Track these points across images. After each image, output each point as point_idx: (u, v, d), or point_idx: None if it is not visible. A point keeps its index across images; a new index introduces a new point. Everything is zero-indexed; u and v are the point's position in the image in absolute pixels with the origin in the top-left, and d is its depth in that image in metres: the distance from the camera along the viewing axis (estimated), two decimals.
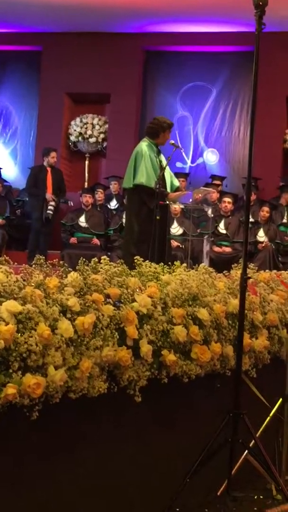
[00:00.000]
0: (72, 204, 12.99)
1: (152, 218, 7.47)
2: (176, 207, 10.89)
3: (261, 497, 4.29)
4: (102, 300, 3.45)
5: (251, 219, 10.91)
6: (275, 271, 5.80)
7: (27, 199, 12.81)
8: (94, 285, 3.49)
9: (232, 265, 5.08)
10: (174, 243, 10.83)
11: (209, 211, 10.97)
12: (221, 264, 8.96)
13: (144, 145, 7.80)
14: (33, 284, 3.24)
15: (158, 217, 7.39)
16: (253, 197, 11.96)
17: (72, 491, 3.35)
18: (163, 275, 4.13)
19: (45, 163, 12.35)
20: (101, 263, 3.78)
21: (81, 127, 14.08)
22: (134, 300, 3.68)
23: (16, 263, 3.38)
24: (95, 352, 3.28)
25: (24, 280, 3.22)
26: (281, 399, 4.72)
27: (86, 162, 14.25)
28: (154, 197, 7.49)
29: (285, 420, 4.72)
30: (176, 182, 8.13)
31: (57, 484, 3.26)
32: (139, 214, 7.74)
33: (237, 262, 5.15)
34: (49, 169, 12.25)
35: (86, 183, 14.02)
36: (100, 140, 14.07)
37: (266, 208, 11.74)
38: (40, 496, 3.16)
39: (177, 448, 4.07)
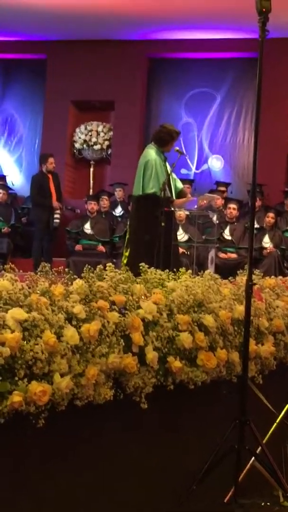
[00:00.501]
0: (79, 211, 12.99)
1: (157, 224, 7.46)
2: (181, 213, 10.88)
3: (268, 504, 4.26)
4: (107, 307, 3.45)
5: (256, 225, 10.90)
6: (280, 277, 5.79)
7: (31, 207, 12.72)
8: (100, 292, 3.49)
9: (238, 271, 5.07)
10: (180, 250, 10.83)
11: (214, 218, 10.96)
12: (226, 270, 8.95)
13: (153, 153, 7.75)
14: (38, 291, 3.25)
15: (163, 224, 7.39)
16: (258, 203, 11.96)
17: (77, 498, 3.35)
18: (169, 281, 4.12)
19: (44, 170, 12.20)
20: (106, 270, 3.78)
21: (86, 134, 14.11)
22: (139, 307, 3.68)
23: (21, 271, 3.38)
24: (101, 359, 3.28)
25: (29, 288, 3.22)
26: (287, 405, 4.70)
27: (91, 169, 14.28)
28: (160, 204, 7.49)
29: None
30: (180, 185, 8.12)
31: (61, 491, 3.26)
32: (145, 221, 7.73)
33: (242, 268, 5.13)
34: (50, 176, 12.17)
35: (91, 190, 14.04)
36: (104, 147, 14.09)
37: (271, 214, 11.74)
38: (45, 502, 3.16)
39: (183, 455, 4.06)
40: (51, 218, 11.87)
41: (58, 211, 11.92)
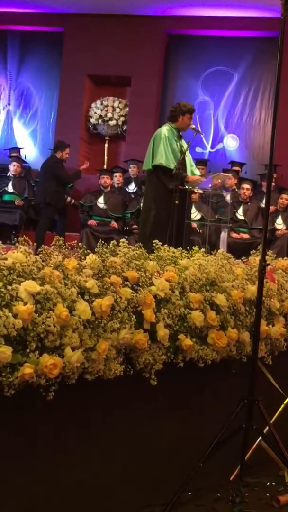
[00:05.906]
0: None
1: (169, 201, 7.45)
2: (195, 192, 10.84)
3: (274, 483, 4.29)
4: (120, 282, 3.45)
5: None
6: None
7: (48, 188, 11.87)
8: (113, 267, 3.49)
9: (251, 252, 5.06)
10: (193, 225, 10.81)
11: (228, 197, 10.92)
12: (238, 250, 8.91)
13: (164, 129, 7.82)
14: (52, 265, 3.25)
15: (177, 201, 7.38)
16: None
17: (85, 471, 3.37)
18: (182, 259, 4.12)
19: (59, 157, 11.87)
20: (119, 246, 3.78)
21: (102, 110, 14.05)
22: (152, 284, 3.68)
23: (34, 244, 3.38)
24: (112, 335, 3.29)
25: (43, 261, 3.22)
26: None
27: (106, 145, 14.23)
28: (173, 178, 7.49)
29: None
30: (197, 172, 8.12)
31: (70, 464, 3.28)
32: (157, 196, 7.73)
33: (255, 248, 5.11)
34: (62, 164, 11.95)
35: (105, 166, 13.99)
36: (120, 123, 14.04)
37: (285, 196, 11.67)
38: (54, 475, 3.19)
39: (191, 433, 4.08)
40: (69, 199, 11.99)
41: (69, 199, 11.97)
